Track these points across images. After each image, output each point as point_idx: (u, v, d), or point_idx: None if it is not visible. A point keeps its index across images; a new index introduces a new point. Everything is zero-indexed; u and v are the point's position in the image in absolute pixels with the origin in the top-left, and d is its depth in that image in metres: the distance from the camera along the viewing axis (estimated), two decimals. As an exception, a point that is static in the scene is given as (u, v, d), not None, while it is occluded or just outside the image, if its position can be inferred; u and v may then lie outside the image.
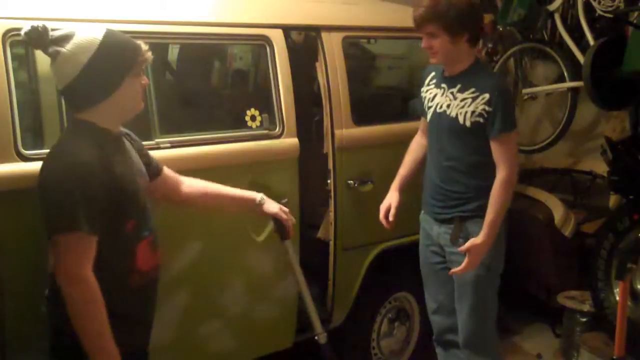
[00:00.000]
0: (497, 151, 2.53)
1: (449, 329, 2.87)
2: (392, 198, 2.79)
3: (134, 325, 1.97)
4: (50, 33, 1.84)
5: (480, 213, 2.57)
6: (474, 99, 2.53)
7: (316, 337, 2.56)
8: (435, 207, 2.71)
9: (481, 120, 2.52)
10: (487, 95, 2.50)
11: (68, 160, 1.79)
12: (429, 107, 2.70)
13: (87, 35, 1.84)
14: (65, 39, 1.83)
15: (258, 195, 2.39)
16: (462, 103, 2.55)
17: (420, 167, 2.84)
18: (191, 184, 2.29)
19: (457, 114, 2.56)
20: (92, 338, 1.78)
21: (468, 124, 2.54)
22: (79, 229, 1.75)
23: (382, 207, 2.78)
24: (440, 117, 2.63)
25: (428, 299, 2.93)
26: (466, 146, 2.59)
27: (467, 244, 2.53)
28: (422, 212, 2.83)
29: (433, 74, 2.74)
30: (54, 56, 1.84)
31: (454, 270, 2.58)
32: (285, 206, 2.73)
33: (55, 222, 1.78)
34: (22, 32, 1.83)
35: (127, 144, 2.04)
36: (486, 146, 2.55)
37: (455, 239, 2.62)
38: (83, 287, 1.76)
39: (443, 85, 2.65)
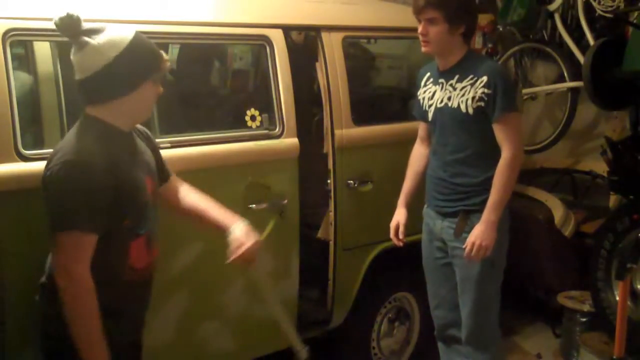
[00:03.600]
0: (500, 132, 2.53)
1: (450, 325, 2.87)
2: (400, 216, 2.81)
3: (124, 321, 1.99)
4: (82, 24, 1.86)
5: (484, 207, 2.57)
6: (472, 84, 2.54)
7: (297, 354, 2.43)
8: (439, 201, 2.71)
9: (482, 104, 2.52)
10: (485, 78, 2.51)
11: (72, 158, 1.80)
12: (430, 106, 2.70)
13: (118, 32, 1.88)
14: (96, 31, 1.86)
15: (234, 227, 2.17)
16: (462, 92, 2.56)
17: (423, 178, 2.84)
18: (185, 195, 2.24)
19: (458, 104, 2.57)
20: (83, 333, 1.82)
21: (470, 111, 2.54)
22: (78, 227, 1.78)
23: (392, 226, 2.81)
24: (443, 112, 2.64)
25: (430, 294, 2.93)
26: (471, 136, 2.59)
27: (469, 237, 2.53)
28: (425, 206, 2.84)
29: (428, 74, 2.76)
30: (81, 46, 1.85)
31: (466, 255, 2.54)
32: (286, 206, 2.74)
33: (56, 220, 1.81)
34: (56, 19, 1.84)
35: (139, 142, 2.06)
36: (491, 133, 2.55)
37: (459, 232, 2.62)
38: (76, 283, 1.79)
39: (441, 80, 2.66)
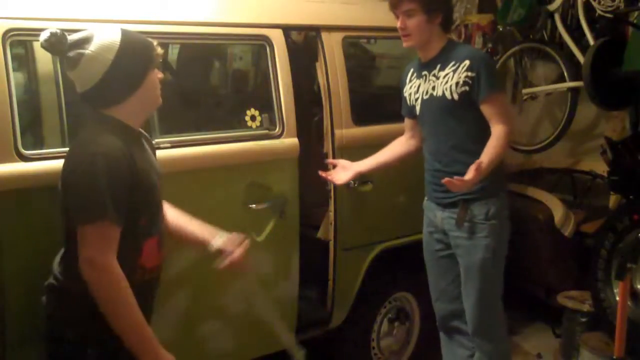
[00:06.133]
0: (489, 111, 2.55)
1: (451, 316, 2.89)
2: (346, 171, 2.80)
3: None
4: (68, 37, 1.85)
5: (483, 195, 2.58)
6: (455, 70, 2.56)
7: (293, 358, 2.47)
8: (438, 193, 2.71)
9: (467, 88, 2.54)
10: (467, 62, 2.54)
11: (97, 150, 1.80)
12: (416, 100, 2.73)
13: (106, 35, 1.87)
14: (85, 41, 1.85)
15: (214, 240, 2.19)
16: (445, 79, 2.59)
17: (394, 160, 2.87)
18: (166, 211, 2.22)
19: (443, 91, 2.59)
20: (125, 321, 1.82)
21: (456, 96, 2.56)
22: (109, 218, 1.78)
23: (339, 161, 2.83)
24: (429, 102, 2.66)
25: (431, 287, 2.94)
26: (459, 122, 2.61)
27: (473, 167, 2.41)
28: (425, 199, 2.85)
29: (412, 70, 2.79)
30: (76, 59, 1.84)
31: (453, 179, 2.39)
32: (286, 206, 2.73)
33: (84, 211, 1.79)
34: (42, 40, 1.83)
35: (146, 144, 2.06)
36: (478, 117, 2.57)
37: (461, 222, 2.63)
38: (106, 276, 1.78)
39: (424, 72, 2.68)
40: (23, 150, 2.10)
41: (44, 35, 1.83)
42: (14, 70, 2.12)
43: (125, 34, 1.90)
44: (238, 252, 2.16)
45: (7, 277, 2.07)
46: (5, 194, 2.04)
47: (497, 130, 2.52)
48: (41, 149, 2.19)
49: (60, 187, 1.87)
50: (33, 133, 2.32)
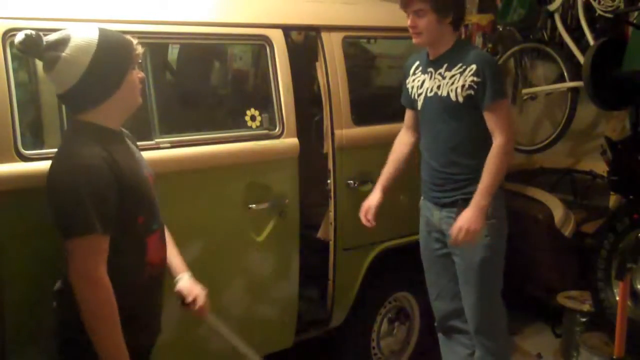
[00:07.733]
0: (491, 120, 2.55)
1: (451, 315, 2.89)
2: (373, 199, 2.80)
3: (146, 321, 1.99)
4: (44, 39, 1.82)
5: None
6: (461, 72, 2.56)
7: None
8: (435, 192, 2.71)
9: (472, 92, 2.54)
10: (474, 67, 2.53)
11: (76, 162, 1.79)
12: (419, 95, 2.72)
13: (83, 36, 1.84)
14: (61, 42, 1.82)
15: (181, 275, 2.16)
16: (451, 80, 2.58)
17: (405, 165, 2.85)
18: None
19: (448, 92, 2.59)
20: (105, 339, 1.80)
21: (460, 99, 2.56)
22: (94, 231, 1.76)
23: (364, 207, 2.80)
24: (432, 101, 2.66)
25: (429, 286, 2.93)
26: (462, 124, 2.61)
27: (458, 221, 2.52)
28: (422, 198, 2.84)
29: (417, 63, 2.78)
30: (53, 61, 1.82)
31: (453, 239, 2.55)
32: (286, 206, 2.73)
33: (69, 226, 1.78)
34: (17, 42, 1.81)
35: (128, 141, 2.04)
36: (481, 121, 2.57)
37: None
38: (98, 289, 1.77)
39: (430, 69, 2.68)
40: (23, 150, 2.10)
41: (18, 37, 1.80)
42: (14, 70, 2.12)
43: (103, 34, 1.86)
44: (199, 303, 2.14)
45: (7, 277, 2.07)
46: (5, 194, 2.04)
47: (494, 147, 2.52)
48: (41, 149, 2.19)
49: (47, 199, 1.84)
50: (33, 133, 2.31)
